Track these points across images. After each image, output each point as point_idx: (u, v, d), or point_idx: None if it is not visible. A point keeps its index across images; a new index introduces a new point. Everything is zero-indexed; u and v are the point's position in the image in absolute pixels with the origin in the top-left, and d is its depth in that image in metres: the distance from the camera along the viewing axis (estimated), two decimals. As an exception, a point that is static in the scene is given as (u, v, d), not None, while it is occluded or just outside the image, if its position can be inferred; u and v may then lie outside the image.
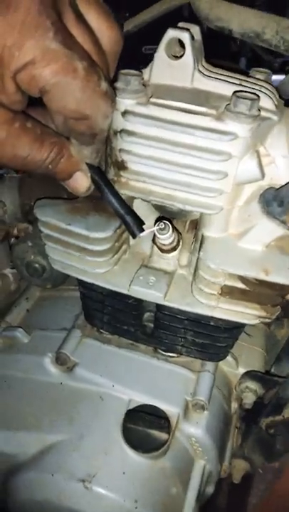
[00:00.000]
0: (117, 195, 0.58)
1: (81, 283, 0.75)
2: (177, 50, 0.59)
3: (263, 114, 0.57)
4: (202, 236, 0.64)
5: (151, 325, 0.78)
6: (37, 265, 0.87)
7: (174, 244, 0.67)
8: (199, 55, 0.59)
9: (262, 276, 0.59)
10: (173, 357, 0.82)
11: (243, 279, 0.61)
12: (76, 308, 0.87)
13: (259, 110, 0.54)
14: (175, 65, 0.58)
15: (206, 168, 0.56)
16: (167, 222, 0.61)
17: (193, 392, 0.78)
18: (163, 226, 0.60)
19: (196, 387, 0.78)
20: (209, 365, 0.81)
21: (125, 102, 0.56)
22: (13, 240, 0.87)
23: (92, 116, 0.47)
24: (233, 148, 0.55)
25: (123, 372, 0.78)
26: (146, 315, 0.79)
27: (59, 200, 0.68)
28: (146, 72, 0.60)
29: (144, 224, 0.59)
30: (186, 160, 0.56)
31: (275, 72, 0.76)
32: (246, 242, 0.62)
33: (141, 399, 0.76)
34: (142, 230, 0.57)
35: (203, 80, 0.59)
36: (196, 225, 0.68)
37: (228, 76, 0.60)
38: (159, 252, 0.70)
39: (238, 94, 0.54)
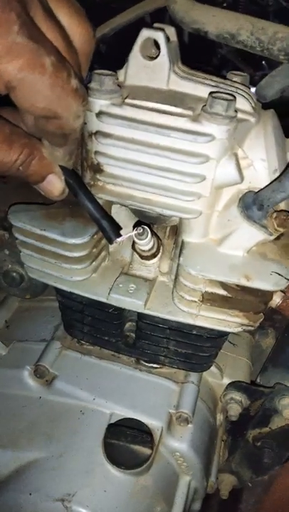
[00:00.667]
0: (92, 199, 0.56)
1: (59, 292, 0.72)
2: (153, 52, 0.57)
3: (241, 115, 0.56)
4: (182, 242, 0.62)
5: (133, 335, 0.75)
6: (15, 274, 0.84)
7: (154, 250, 0.65)
8: (175, 56, 0.58)
9: (243, 282, 0.57)
10: (156, 368, 0.80)
11: (224, 285, 0.59)
12: (56, 319, 0.84)
13: (236, 111, 0.53)
14: (150, 66, 0.57)
15: (183, 170, 0.55)
16: (146, 227, 0.59)
17: (177, 405, 0.75)
18: (141, 231, 0.57)
19: (179, 399, 0.75)
20: (193, 376, 0.79)
21: (99, 103, 0.54)
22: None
23: (62, 116, 0.45)
24: (210, 150, 0.53)
25: (104, 384, 0.76)
26: (128, 325, 0.76)
27: (34, 205, 0.65)
28: (121, 73, 0.59)
29: (121, 229, 0.57)
30: (163, 162, 0.55)
31: (256, 85, 0.75)
32: (227, 248, 0.60)
33: (123, 412, 0.73)
34: (119, 235, 0.55)
35: (180, 81, 0.58)
36: (176, 231, 0.66)
37: (204, 78, 0.59)
38: (140, 258, 0.68)
39: (214, 95, 0.52)
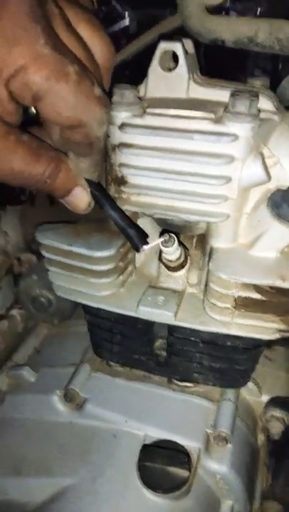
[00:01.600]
0: (118, 209, 0.56)
1: (87, 311, 0.71)
2: (171, 64, 0.59)
3: (264, 115, 0.56)
4: (211, 248, 0.61)
5: (164, 353, 0.73)
6: (43, 299, 0.84)
7: (181, 260, 0.64)
8: (194, 66, 0.59)
9: (278, 284, 0.55)
10: (189, 387, 0.76)
11: (257, 288, 0.57)
12: (84, 342, 0.82)
13: (259, 110, 0.53)
14: (170, 77, 0.58)
15: (208, 173, 0.54)
16: (172, 234, 0.58)
17: (214, 424, 0.71)
18: (168, 237, 0.57)
19: (216, 418, 0.72)
20: (230, 393, 0.75)
21: (121, 115, 0.55)
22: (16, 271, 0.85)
23: (87, 123, 0.46)
24: (234, 150, 0.53)
25: (136, 406, 0.73)
26: (158, 342, 0.74)
27: (60, 224, 0.66)
28: (141, 87, 0.60)
29: (148, 237, 0.56)
30: (187, 167, 0.54)
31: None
32: (258, 250, 0.59)
33: (157, 434, 0.69)
34: (146, 243, 0.55)
35: (199, 89, 0.58)
36: (203, 240, 0.65)
37: (224, 85, 0.60)
38: (167, 271, 0.67)
39: (236, 94, 0.52)
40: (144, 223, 0.66)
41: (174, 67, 0.57)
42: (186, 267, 0.67)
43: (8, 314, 0.95)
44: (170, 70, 0.58)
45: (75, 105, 0.44)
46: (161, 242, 0.58)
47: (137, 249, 0.55)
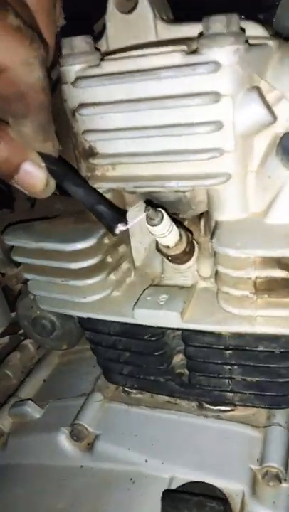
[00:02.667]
0: (83, 183, 0.44)
1: (83, 325, 0.59)
2: (131, 5, 0.48)
3: (253, 41, 0.43)
4: (215, 223, 0.47)
5: (186, 370, 0.58)
6: (44, 321, 0.72)
7: (184, 246, 0.50)
8: (159, 4, 0.48)
9: (307, 252, 0.40)
10: (225, 411, 0.61)
11: (282, 263, 0.42)
12: (98, 369, 0.70)
13: (243, 29, 0.41)
14: (131, 20, 0.47)
15: (190, 121, 0.42)
16: (160, 209, 0.45)
17: (261, 458, 0.55)
18: (152, 211, 0.43)
19: (264, 450, 0.56)
20: (279, 416, 0.59)
21: (74, 69, 0.45)
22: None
23: (6, 63, 0.35)
24: (218, 84, 0.40)
25: (159, 440, 0.58)
26: (178, 358, 0.60)
27: (37, 221, 0.55)
28: (102, 42, 0.49)
29: (125, 214, 0.44)
30: (163, 117, 0.42)
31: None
32: (276, 216, 0.44)
33: (187, 475, 0.54)
34: (123, 222, 0.42)
35: (171, 28, 0.47)
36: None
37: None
38: (172, 264, 0.53)
39: (209, 16, 0.40)
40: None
41: (135, 7, 0.46)
42: (195, 256, 0.53)
43: (21, 344, 0.85)
44: (130, 11, 0.47)
45: None
46: (146, 218, 0.44)
47: (112, 231, 0.42)
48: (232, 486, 0.52)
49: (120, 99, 0.43)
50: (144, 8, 0.46)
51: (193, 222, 0.56)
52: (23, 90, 0.38)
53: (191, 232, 0.53)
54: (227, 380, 0.56)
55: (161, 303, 0.50)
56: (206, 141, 0.42)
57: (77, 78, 0.44)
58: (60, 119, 0.49)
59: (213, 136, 0.42)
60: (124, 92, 0.43)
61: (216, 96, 0.40)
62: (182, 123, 0.42)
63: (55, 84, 0.50)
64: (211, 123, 0.41)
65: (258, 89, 0.42)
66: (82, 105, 0.45)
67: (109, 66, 0.43)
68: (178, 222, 0.51)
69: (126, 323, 0.53)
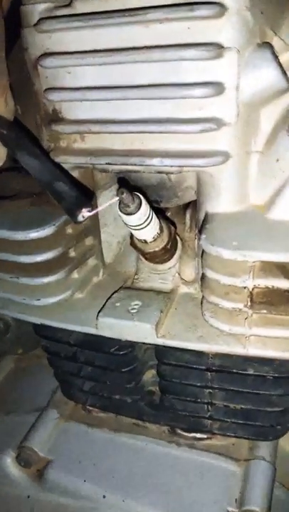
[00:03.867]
0: (41, 155, 0.34)
1: (38, 331, 0.49)
2: None
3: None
4: (205, 215, 0.38)
5: (158, 390, 0.49)
6: (-3, 322, 0.62)
7: (164, 242, 0.41)
8: None
9: None
10: (201, 439, 0.52)
11: (287, 270, 0.33)
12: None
13: None
14: None
15: (183, 80, 0.32)
16: (137, 193, 0.35)
17: (241, 498, 0.46)
18: (125, 194, 0.34)
19: (244, 489, 0.47)
20: (263, 448, 0.50)
21: (38, 8, 0.35)
22: None
23: None
24: (221, 33, 0.31)
25: (121, 471, 0.49)
26: (148, 374, 0.51)
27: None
28: None
29: (91, 196, 0.34)
30: (148, 73, 0.33)
31: None
32: (282, 211, 0.35)
33: (152, 518, 0.45)
34: (87, 206, 0.32)
35: None
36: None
37: None
38: (149, 263, 0.44)
39: None
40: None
41: None
42: (177, 255, 0.44)
43: None
44: None
45: None
46: (119, 204, 0.35)
47: (74, 216, 0.33)
48: (205, 534, 0.44)
49: (94, 49, 0.34)
50: None
51: (178, 213, 0.46)
52: None
53: (175, 226, 0.44)
54: (206, 406, 0.48)
55: (133, 311, 0.40)
56: (201, 108, 0.33)
57: (41, 20, 0.34)
58: (24, 75, 0.40)
59: (210, 101, 0.33)
60: (99, 39, 0.33)
61: (217, 49, 0.31)
62: (171, 82, 0.33)
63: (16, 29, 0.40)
64: (209, 84, 0.32)
65: (271, 46, 0.33)
66: (46, 55, 0.35)
67: (82, 5, 0.33)
68: (159, 211, 0.42)
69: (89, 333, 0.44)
